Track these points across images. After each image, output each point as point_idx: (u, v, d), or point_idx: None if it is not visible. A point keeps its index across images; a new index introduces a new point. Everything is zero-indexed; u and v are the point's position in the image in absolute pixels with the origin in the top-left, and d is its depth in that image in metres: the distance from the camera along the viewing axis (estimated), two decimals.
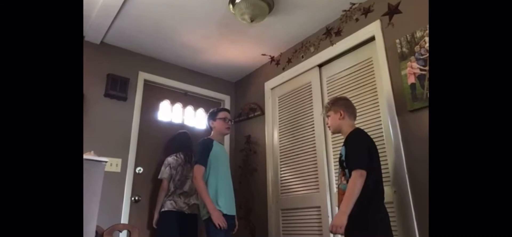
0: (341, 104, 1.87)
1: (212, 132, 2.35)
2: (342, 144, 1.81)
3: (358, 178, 1.59)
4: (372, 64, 2.27)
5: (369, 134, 1.82)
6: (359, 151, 1.67)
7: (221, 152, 2.29)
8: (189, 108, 3.35)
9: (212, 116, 2.36)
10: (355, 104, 1.96)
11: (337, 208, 2.20)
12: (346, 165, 1.70)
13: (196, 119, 3.36)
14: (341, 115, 1.84)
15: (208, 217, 2.05)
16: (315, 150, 2.55)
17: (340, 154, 1.79)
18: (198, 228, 2.70)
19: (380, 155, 1.77)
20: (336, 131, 1.90)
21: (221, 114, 2.35)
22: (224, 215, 2.07)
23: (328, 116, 1.91)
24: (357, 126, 1.88)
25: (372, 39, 2.28)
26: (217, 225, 2.00)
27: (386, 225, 1.64)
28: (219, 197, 2.12)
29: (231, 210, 2.17)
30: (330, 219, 2.32)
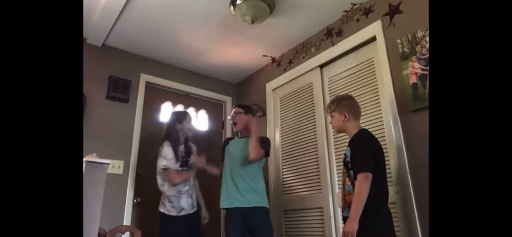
0: (345, 105, 1.82)
1: None
2: (345, 144, 1.80)
3: (364, 181, 1.57)
4: (374, 64, 2.26)
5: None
6: (364, 153, 1.64)
7: (234, 148, 2.33)
8: (191, 109, 3.35)
9: None
10: None
11: (339, 209, 2.20)
12: (351, 166, 1.69)
13: (197, 120, 3.36)
14: (345, 117, 1.80)
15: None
16: (317, 150, 2.54)
17: (345, 154, 1.77)
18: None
19: None
20: (340, 132, 1.89)
21: None
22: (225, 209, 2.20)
23: (331, 116, 1.88)
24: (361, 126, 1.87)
25: (373, 39, 2.27)
26: None
27: (389, 226, 1.63)
28: (222, 192, 2.23)
29: (226, 203, 2.16)
30: (332, 220, 2.32)
